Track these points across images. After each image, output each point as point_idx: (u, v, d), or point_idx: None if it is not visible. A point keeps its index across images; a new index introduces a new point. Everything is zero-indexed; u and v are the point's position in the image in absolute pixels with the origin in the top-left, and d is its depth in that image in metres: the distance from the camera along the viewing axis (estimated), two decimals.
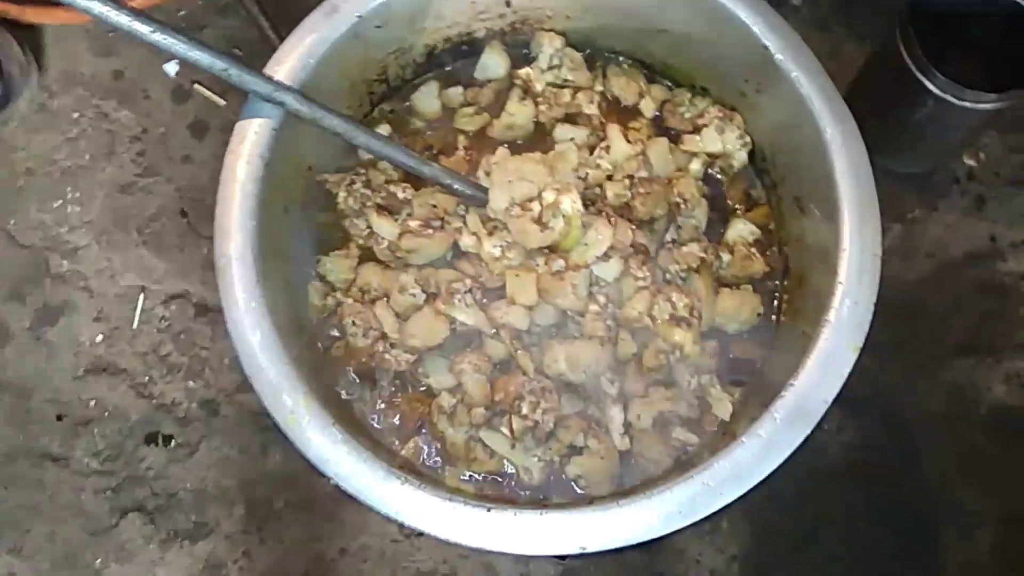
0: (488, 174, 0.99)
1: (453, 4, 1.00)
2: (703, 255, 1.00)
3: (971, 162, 1.42)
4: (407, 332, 0.95)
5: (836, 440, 1.30)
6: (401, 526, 1.22)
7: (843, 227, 0.88)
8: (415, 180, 1.01)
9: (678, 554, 1.23)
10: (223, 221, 0.85)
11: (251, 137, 0.87)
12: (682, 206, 1.01)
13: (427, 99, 1.10)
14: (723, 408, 0.97)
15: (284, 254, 0.94)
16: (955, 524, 1.28)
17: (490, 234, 0.98)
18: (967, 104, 1.19)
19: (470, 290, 0.95)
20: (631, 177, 1.00)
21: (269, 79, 0.82)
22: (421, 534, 1.22)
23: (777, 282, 1.03)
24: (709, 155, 1.04)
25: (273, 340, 0.83)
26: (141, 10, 0.77)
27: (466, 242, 0.97)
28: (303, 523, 1.24)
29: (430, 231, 0.96)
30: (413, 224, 0.97)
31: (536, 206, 0.95)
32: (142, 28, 0.76)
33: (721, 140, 1.01)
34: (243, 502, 1.25)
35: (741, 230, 1.03)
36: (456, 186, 0.95)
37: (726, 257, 1.02)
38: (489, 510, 0.80)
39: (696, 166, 1.04)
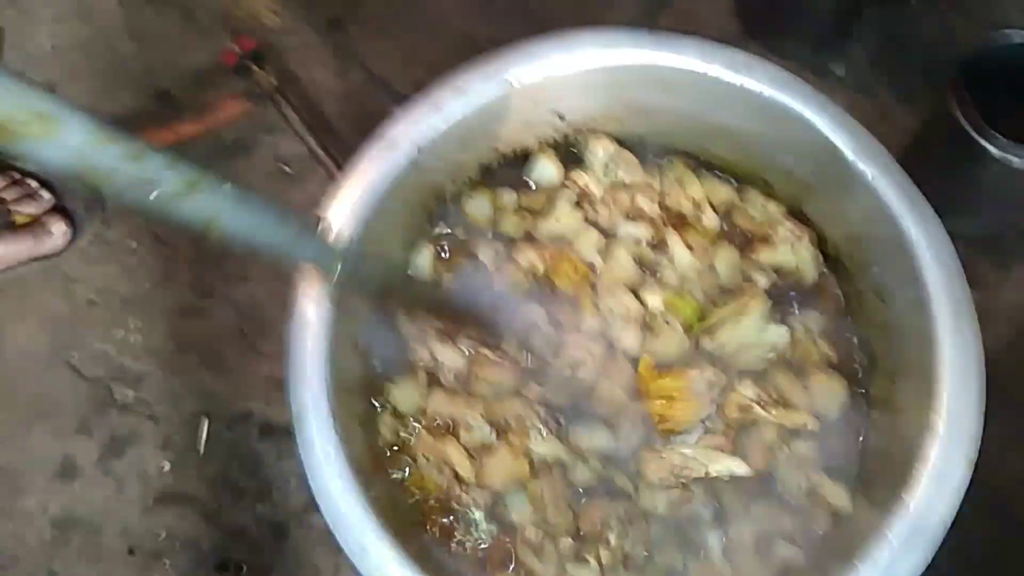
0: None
1: (507, 125, 0.99)
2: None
3: None
4: (484, 473, 0.92)
5: None
6: None
7: (938, 330, 0.83)
8: None
9: None
10: (297, 369, 0.84)
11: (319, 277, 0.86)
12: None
13: (479, 205, 1.08)
14: (839, 496, 0.91)
15: (355, 388, 0.92)
16: None
17: (556, 347, 0.95)
18: None
19: (544, 421, 0.92)
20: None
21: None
22: None
23: (861, 374, 0.98)
24: (779, 269, 1.01)
25: (351, 486, 0.81)
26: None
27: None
28: None
29: (504, 362, 0.94)
30: (486, 352, 0.94)
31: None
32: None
33: (794, 256, 0.98)
34: None
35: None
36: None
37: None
38: None
39: (764, 281, 1.01)
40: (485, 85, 0.93)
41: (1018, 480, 1.25)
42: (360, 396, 0.94)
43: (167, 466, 1.31)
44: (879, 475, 0.87)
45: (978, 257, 1.34)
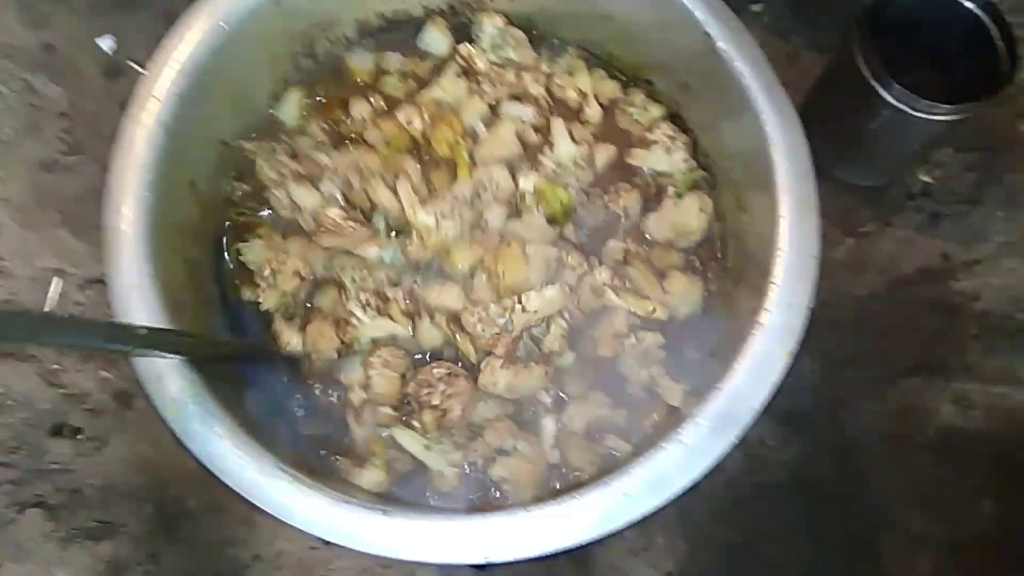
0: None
1: None
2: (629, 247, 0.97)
3: (926, 178, 1.39)
4: (312, 341, 0.89)
5: (779, 456, 1.26)
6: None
7: (780, 226, 0.83)
8: (337, 140, 0.96)
9: (611, 570, 1.18)
10: (115, 192, 0.79)
11: (152, 102, 0.80)
12: (621, 218, 0.97)
13: (361, 59, 1.03)
14: (673, 395, 0.92)
15: (186, 230, 0.87)
16: (898, 547, 1.24)
17: (424, 202, 0.92)
18: (921, 115, 1.15)
19: (370, 298, 0.89)
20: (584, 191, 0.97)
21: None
22: None
23: (714, 284, 0.98)
24: (652, 171, 1.00)
25: (160, 319, 0.77)
26: None
27: (386, 204, 0.91)
28: (216, 526, 1.17)
29: (351, 225, 0.90)
30: (331, 217, 0.90)
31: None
32: None
33: (668, 161, 0.97)
34: (153, 501, 1.18)
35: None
36: None
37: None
38: (386, 513, 0.74)
39: (638, 181, 1.00)
40: None
41: (868, 427, 1.28)
42: (193, 240, 0.89)
43: None
44: (713, 375, 0.87)
45: (863, 207, 1.36)
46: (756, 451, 1.25)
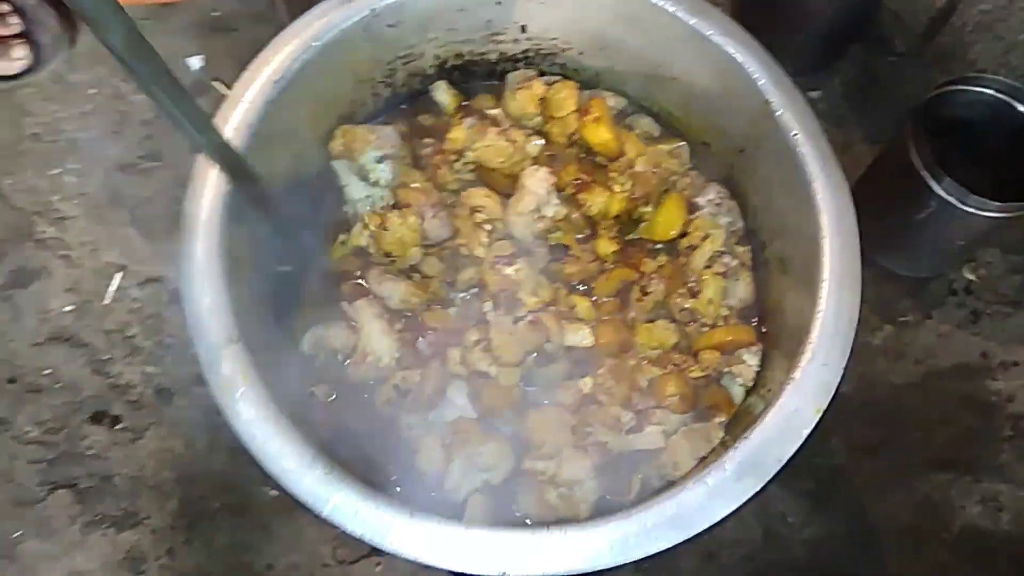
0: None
1: (468, 19, 1.01)
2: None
3: (971, 276, 1.40)
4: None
5: (799, 535, 1.25)
6: (335, 547, 1.18)
7: (822, 288, 0.85)
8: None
9: None
10: (198, 182, 0.84)
11: (242, 105, 0.86)
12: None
13: (442, 94, 1.10)
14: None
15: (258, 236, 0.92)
16: None
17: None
18: (970, 209, 1.17)
19: None
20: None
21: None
22: (354, 562, 1.18)
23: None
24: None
25: (224, 297, 0.81)
26: None
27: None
28: (235, 530, 1.19)
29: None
30: None
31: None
32: None
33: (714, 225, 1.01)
34: (178, 498, 1.20)
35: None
36: None
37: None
38: (412, 515, 0.76)
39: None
40: None
41: (891, 516, 1.27)
42: (257, 247, 0.94)
43: (69, 308, 1.29)
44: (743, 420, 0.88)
45: (904, 297, 1.37)
46: (777, 528, 1.24)
